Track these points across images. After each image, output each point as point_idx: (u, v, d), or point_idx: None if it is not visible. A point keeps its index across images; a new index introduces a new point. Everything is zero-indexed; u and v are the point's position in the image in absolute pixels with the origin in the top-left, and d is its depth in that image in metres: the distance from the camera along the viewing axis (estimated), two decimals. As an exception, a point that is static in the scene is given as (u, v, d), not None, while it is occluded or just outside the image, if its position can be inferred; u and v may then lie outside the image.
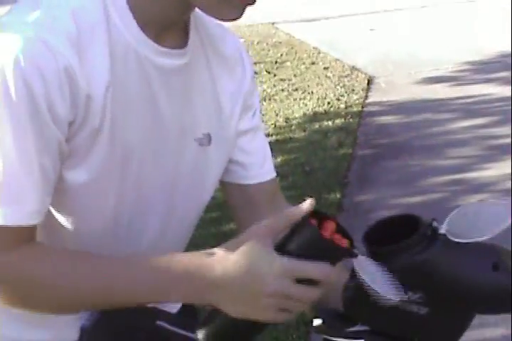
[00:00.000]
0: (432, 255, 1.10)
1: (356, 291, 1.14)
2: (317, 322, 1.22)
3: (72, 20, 1.12)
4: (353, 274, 1.14)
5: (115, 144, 1.19)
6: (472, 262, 1.12)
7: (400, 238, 1.12)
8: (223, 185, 1.46)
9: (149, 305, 1.26)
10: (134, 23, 1.18)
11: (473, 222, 1.11)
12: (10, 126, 1.09)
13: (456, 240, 1.08)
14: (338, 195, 4.89)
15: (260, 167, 1.45)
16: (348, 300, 1.18)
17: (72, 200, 1.24)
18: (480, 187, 4.78)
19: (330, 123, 6.33)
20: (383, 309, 1.11)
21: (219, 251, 1.13)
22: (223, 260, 1.11)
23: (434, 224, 1.12)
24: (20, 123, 1.10)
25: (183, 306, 1.58)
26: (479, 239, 1.07)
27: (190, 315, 1.60)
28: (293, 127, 6.25)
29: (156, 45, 1.21)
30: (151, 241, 1.36)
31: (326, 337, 1.21)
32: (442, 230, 1.11)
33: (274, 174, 1.48)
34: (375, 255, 1.14)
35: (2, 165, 1.10)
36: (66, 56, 1.10)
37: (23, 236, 1.16)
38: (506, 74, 7.22)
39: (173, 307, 1.52)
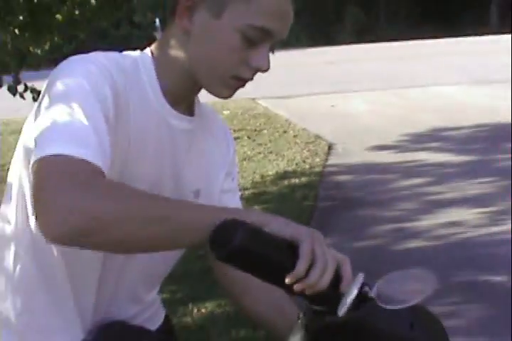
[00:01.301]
0: (358, 316, 1.03)
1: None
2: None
3: (124, 71, 1.16)
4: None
5: (124, 175, 1.15)
6: (393, 323, 1.05)
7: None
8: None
9: (135, 325, 1.21)
10: (158, 88, 1.20)
11: (399, 288, 1.05)
12: (85, 95, 1.09)
13: (386, 307, 1.02)
14: (302, 239, 4.83)
15: None
16: None
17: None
18: (417, 234, 4.76)
19: (297, 180, 6.33)
20: None
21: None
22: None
23: (365, 289, 1.04)
24: (94, 93, 1.09)
25: (163, 324, 1.52)
26: (405, 306, 1.01)
27: (168, 333, 1.55)
28: (267, 183, 6.24)
29: (172, 110, 1.22)
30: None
31: None
32: (372, 294, 1.04)
33: None
34: (311, 311, 1.07)
35: (77, 120, 1.05)
36: (118, 84, 1.13)
37: (98, 170, 1.03)
38: (436, 144, 7.29)
39: (153, 325, 1.46)
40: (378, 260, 4.36)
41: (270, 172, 6.59)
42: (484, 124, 7.93)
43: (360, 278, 1.06)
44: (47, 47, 4.97)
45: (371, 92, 10.69)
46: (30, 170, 1.07)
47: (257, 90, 11.06)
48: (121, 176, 1.15)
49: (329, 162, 6.99)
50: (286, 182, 6.28)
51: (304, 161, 7.00)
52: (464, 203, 5.27)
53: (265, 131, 8.38)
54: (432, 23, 36.47)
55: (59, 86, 1.11)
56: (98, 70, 1.12)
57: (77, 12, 4.72)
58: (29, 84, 4.69)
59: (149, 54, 1.22)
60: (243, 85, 1.20)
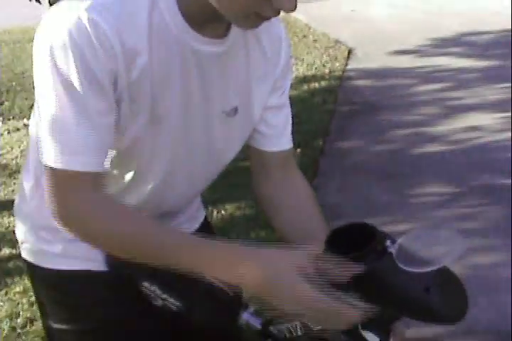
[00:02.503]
0: (375, 269, 1.02)
1: None
2: None
3: (120, 6, 1.08)
4: None
5: (153, 113, 1.15)
6: (407, 282, 1.02)
7: (355, 245, 1.03)
8: (248, 148, 1.41)
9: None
10: (178, 13, 1.12)
11: (424, 248, 1.02)
12: (66, 84, 1.06)
13: (403, 268, 0.99)
14: (321, 142, 4.83)
15: (277, 138, 1.39)
16: None
17: (120, 159, 1.20)
18: (434, 138, 4.73)
19: (316, 84, 6.24)
20: None
21: (267, 255, 1.10)
22: (267, 262, 1.08)
23: (387, 243, 1.02)
24: (76, 81, 1.06)
25: (204, 221, 1.54)
26: (424, 270, 0.98)
27: (210, 229, 1.57)
28: (287, 88, 6.16)
29: (196, 33, 1.15)
30: (182, 190, 1.34)
31: None
32: (392, 249, 1.01)
33: (288, 146, 1.41)
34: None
35: (61, 119, 1.07)
36: (108, 36, 1.06)
37: (93, 180, 1.12)
38: (457, 49, 7.13)
39: (197, 222, 1.52)
40: (397, 163, 4.36)
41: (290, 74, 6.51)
42: (507, 30, 7.70)
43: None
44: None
45: (392, -3, 10.38)
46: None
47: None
48: (151, 113, 1.15)
49: (349, 66, 6.87)
50: (305, 86, 6.20)
51: (324, 66, 6.88)
52: (484, 108, 5.20)
53: (284, 36, 8.23)
54: None
55: (46, 76, 1.08)
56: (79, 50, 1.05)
57: None
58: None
59: None
60: (268, 20, 1.12)
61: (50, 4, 4.52)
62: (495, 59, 6.63)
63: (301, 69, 6.74)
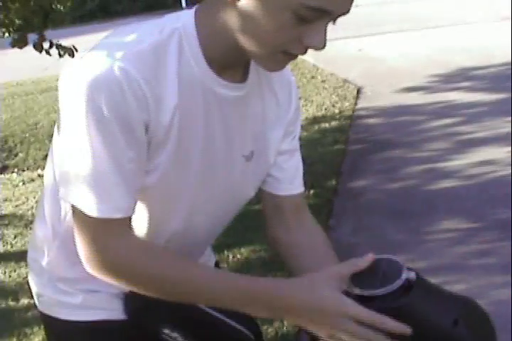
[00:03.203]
0: (407, 303, 1.02)
1: None
2: None
3: (153, 54, 1.10)
4: None
5: (178, 156, 1.17)
6: (437, 315, 1.02)
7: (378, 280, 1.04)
8: (261, 192, 1.43)
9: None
10: (202, 59, 1.14)
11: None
12: (98, 131, 1.06)
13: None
14: (334, 182, 4.83)
15: (290, 182, 1.41)
16: None
17: (147, 200, 1.21)
18: (448, 174, 4.71)
19: (327, 125, 6.27)
20: None
21: (297, 285, 1.11)
22: (300, 293, 1.09)
23: (411, 275, 1.04)
24: (109, 128, 1.07)
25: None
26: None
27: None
28: (297, 128, 6.19)
29: (218, 78, 1.17)
30: (203, 233, 1.37)
31: None
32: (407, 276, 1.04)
33: (301, 190, 1.43)
34: (361, 297, 1.05)
35: (93, 167, 1.08)
36: (141, 85, 1.07)
37: (122, 226, 1.13)
38: (466, 84, 7.15)
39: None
40: (411, 200, 4.34)
41: (301, 118, 6.55)
42: (513, 62, 7.76)
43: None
44: (69, 3, 4.92)
45: (398, 34, 10.48)
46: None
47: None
48: (176, 156, 1.16)
49: (359, 106, 6.90)
50: (316, 127, 6.23)
51: (334, 106, 6.92)
52: (496, 142, 5.18)
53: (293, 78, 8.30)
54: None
55: (79, 124, 1.07)
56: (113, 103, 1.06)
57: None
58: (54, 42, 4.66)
59: (193, 19, 1.14)
60: (294, 59, 1.13)
61: (60, 56, 4.60)
62: (504, 92, 6.65)
63: (310, 110, 6.79)
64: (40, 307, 1.41)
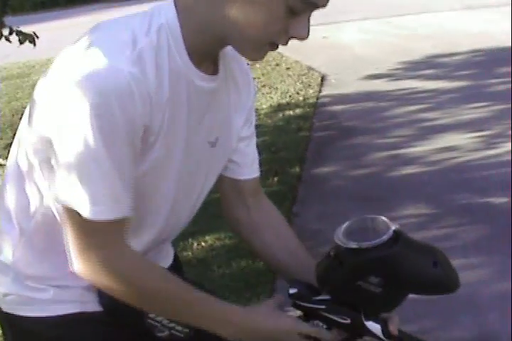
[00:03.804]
0: (395, 252, 1.19)
1: (326, 269, 1.26)
2: (292, 290, 1.30)
3: (150, 54, 1.13)
4: (327, 255, 1.26)
5: (164, 147, 1.20)
6: (419, 260, 1.21)
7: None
8: (219, 178, 1.47)
9: None
10: (185, 52, 1.17)
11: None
12: (103, 137, 1.08)
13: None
14: (298, 169, 4.85)
15: (250, 167, 1.47)
16: (320, 275, 1.28)
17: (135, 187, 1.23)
18: (412, 160, 4.76)
19: (291, 112, 6.29)
20: (347, 285, 1.23)
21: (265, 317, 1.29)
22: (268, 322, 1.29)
23: (396, 227, 1.20)
24: (113, 134, 1.09)
25: (173, 261, 1.57)
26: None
27: (179, 270, 1.59)
28: (262, 116, 6.21)
29: (197, 70, 1.21)
30: (184, 218, 1.41)
31: (297, 302, 1.31)
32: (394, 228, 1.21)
33: (258, 173, 1.50)
34: (359, 250, 1.20)
35: (100, 171, 1.10)
36: (149, 81, 1.11)
37: (124, 226, 1.18)
38: (430, 71, 7.22)
39: (167, 262, 1.53)
40: (375, 186, 4.39)
41: (264, 106, 6.55)
42: (478, 49, 7.84)
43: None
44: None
45: (363, 22, 10.53)
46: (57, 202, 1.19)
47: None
48: (165, 148, 1.20)
49: (323, 93, 6.93)
50: (280, 114, 6.25)
51: (298, 93, 6.94)
52: (460, 128, 5.26)
53: (257, 65, 8.28)
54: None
55: (81, 123, 1.07)
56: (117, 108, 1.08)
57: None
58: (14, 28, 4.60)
59: (175, 11, 1.16)
60: (275, 50, 1.19)
61: (20, 43, 4.54)
62: (467, 79, 6.73)
63: (275, 98, 6.80)
64: (5, 308, 1.37)
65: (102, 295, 1.28)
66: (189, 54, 1.18)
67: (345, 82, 7.19)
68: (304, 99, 6.68)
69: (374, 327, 1.27)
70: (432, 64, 7.56)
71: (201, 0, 1.14)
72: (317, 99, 6.70)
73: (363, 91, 6.76)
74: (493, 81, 6.57)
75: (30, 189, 1.25)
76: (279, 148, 5.25)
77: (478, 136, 5.00)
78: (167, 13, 1.16)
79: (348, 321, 1.27)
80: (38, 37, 4.55)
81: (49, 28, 8.03)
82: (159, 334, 1.28)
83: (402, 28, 9.92)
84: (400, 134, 5.35)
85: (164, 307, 1.26)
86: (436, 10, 11.09)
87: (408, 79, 6.99)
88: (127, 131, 1.10)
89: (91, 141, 1.07)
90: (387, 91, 6.65)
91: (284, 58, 8.59)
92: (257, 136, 5.10)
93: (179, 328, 1.28)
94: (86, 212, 1.11)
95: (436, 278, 1.22)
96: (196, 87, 1.21)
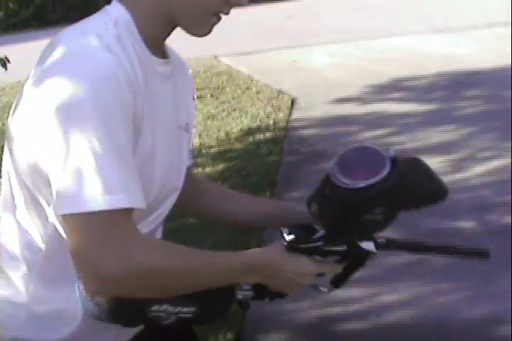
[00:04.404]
0: (397, 182, 1.23)
1: (324, 207, 1.30)
2: (289, 237, 1.32)
3: (118, 44, 1.18)
4: (321, 193, 1.31)
5: (150, 136, 1.24)
6: (418, 180, 1.28)
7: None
8: None
9: None
10: (142, 41, 1.23)
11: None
12: (106, 127, 1.09)
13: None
14: (269, 194, 4.85)
15: (191, 153, 1.54)
16: (316, 213, 1.31)
17: None
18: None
19: (261, 136, 6.30)
20: (349, 220, 1.26)
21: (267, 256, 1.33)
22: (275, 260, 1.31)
23: (390, 153, 1.25)
24: (113, 123, 1.10)
25: None
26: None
27: None
28: (232, 140, 6.21)
29: (155, 57, 1.27)
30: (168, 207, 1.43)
31: (294, 245, 1.33)
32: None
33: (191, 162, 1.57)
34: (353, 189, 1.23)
35: (107, 161, 1.08)
36: (127, 69, 1.16)
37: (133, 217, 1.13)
38: (398, 94, 7.29)
39: None
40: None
41: (234, 130, 6.55)
42: (445, 72, 7.93)
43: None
44: (2, 13, 4.85)
45: (332, 45, 10.59)
46: (59, 216, 1.12)
47: (218, 47, 10.91)
48: (151, 137, 1.23)
49: (293, 116, 6.96)
50: (250, 138, 6.25)
51: (268, 117, 6.96)
52: (428, 151, 5.29)
53: (228, 89, 8.29)
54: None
55: (81, 115, 1.09)
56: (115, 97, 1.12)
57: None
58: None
59: (123, 9, 1.23)
60: (219, 22, 1.28)
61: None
62: (435, 102, 6.80)
63: (245, 122, 6.81)
64: None
65: (100, 307, 1.22)
66: (145, 42, 1.24)
67: (315, 105, 7.23)
68: (274, 123, 6.70)
69: (368, 245, 1.36)
70: (400, 87, 7.64)
71: None
72: (287, 122, 6.72)
73: (332, 114, 6.80)
74: (461, 104, 6.65)
75: (29, 221, 1.23)
76: (249, 173, 5.25)
77: (447, 160, 5.04)
78: (115, 9, 1.24)
79: (345, 248, 1.35)
80: (9, 61, 4.51)
81: (20, 50, 7.97)
82: (166, 323, 1.24)
83: (369, 51, 10.01)
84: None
85: (190, 282, 1.20)
86: (403, 33, 11.21)
87: (376, 103, 7.05)
88: (123, 118, 1.12)
89: (90, 131, 1.07)
90: (356, 114, 6.69)
91: (254, 81, 8.61)
92: (228, 161, 5.13)
93: (185, 310, 1.24)
94: (101, 203, 1.05)
95: (434, 190, 1.31)
96: (159, 74, 1.28)
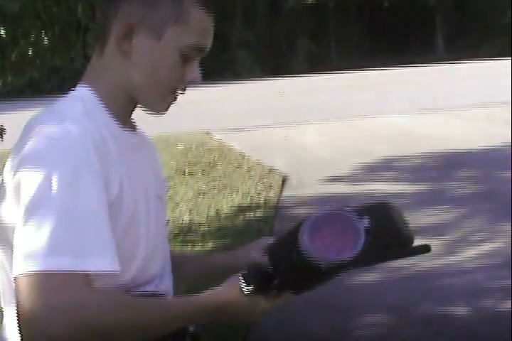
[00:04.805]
0: (368, 249, 1.21)
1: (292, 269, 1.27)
2: (248, 289, 1.27)
3: (88, 120, 1.22)
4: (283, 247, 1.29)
5: (131, 205, 1.25)
6: (389, 238, 1.28)
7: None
8: None
9: None
10: (108, 115, 1.28)
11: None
12: (81, 195, 1.12)
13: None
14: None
15: None
16: (279, 269, 1.29)
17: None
18: (371, 267, 4.71)
19: (252, 214, 6.28)
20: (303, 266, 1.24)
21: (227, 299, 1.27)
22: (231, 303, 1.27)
23: (365, 223, 1.23)
24: (88, 185, 1.13)
25: None
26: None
27: None
28: (222, 218, 6.19)
29: (125, 130, 1.32)
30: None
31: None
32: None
33: None
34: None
35: (82, 228, 1.10)
36: (98, 140, 1.19)
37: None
38: (388, 174, 7.32)
39: None
40: (336, 294, 4.30)
41: (225, 207, 6.53)
42: (435, 152, 8.01)
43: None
44: (-1, 82, 4.92)
45: (324, 123, 10.75)
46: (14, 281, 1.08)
47: (210, 123, 11.04)
48: (132, 207, 1.26)
49: (284, 195, 6.96)
50: (241, 216, 6.23)
51: (259, 195, 6.96)
52: (420, 233, 5.22)
53: (219, 165, 8.34)
54: (381, 53, 37.07)
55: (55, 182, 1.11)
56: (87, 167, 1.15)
57: (30, 51, 4.64)
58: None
59: (87, 88, 1.29)
60: (176, 99, 1.34)
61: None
62: (425, 182, 6.83)
63: (236, 199, 6.80)
64: None
65: None
66: (113, 116, 1.29)
67: (305, 184, 7.24)
68: (265, 201, 6.69)
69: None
70: (391, 167, 7.69)
71: (111, 67, 1.30)
72: (278, 201, 6.72)
73: (323, 193, 6.80)
74: (451, 185, 6.68)
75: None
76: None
77: (439, 242, 5.00)
78: (80, 90, 1.30)
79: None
80: (5, 131, 4.50)
81: (13, 118, 8.04)
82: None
83: (360, 130, 10.14)
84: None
85: (144, 333, 1.17)
86: (393, 112, 11.40)
87: (367, 182, 7.07)
88: (93, 181, 1.14)
89: (55, 193, 1.10)
90: (347, 194, 6.70)
91: (245, 158, 8.67)
92: (218, 239, 5.07)
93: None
94: (41, 265, 1.05)
95: (406, 238, 1.31)
96: (130, 145, 1.33)
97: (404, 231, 1.30)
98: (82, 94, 1.29)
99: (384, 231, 1.26)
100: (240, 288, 1.27)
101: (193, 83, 1.31)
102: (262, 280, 1.28)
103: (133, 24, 1.26)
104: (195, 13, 1.28)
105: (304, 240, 1.22)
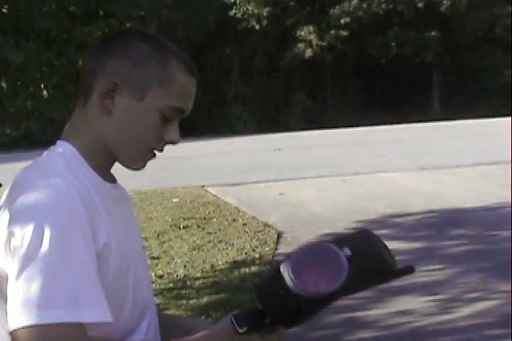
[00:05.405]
0: (352, 281, 1.25)
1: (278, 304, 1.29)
2: (241, 330, 1.31)
3: (70, 174, 1.27)
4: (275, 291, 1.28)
5: (117, 250, 1.28)
6: (372, 268, 1.29)
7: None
8: None
9: None
10: (91, 169, 1.33)
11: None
12: (70, 248, 1.16)
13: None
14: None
15: None
16: (267, 306, 1.31)
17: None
18: (367, 324, 4.78)
19: (247, 269, 6.32)
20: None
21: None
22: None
23: (346, 252, 1.25)
24: (76, 240, 1.17)
25: None
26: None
27: None
28: (217, 272, 6.23)
29: (106, 182, 1.36)
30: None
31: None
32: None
33: None
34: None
35: (74, 281, 1.14)
36: (83, 193, 1.24)
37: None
38: (384, 231, 7.40)
39: None
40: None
41: (220, 262, 6.59)
42: (431, 210, 8.12)
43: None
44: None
45: (319, 179, 10.88)
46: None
47: (206, 178, 11.16)
48: (120, 260, 1.28)
49: (279, 251, 7.02)
50: (236, 272, 6.27)
51: (254, 250, 7.02)
52: (415, 291, 5.33)
53: (214, 220, 8.42)
54: (378, 110, 37.52)
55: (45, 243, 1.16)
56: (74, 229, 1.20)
57: (29, 104, 4.76)
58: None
59: (68, 144, 1.34)
60: (154, 157, 1.38)
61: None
62: (421, 240, 6.91)
63: (231, 254, 6.86)
64: None
65: None
66: (94, 169, 1.33)
67: (300, 240, 7.29)
68: (260, 257, 6.75)
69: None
70: (386, 224, 7.77)
71: (92, 123, 1.34)
72: (273, 256, 6.77)
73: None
74: (447, 243, 6.76)
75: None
76: (234, 307, 5.23)
77: (433, 300, 5.07)
78: (61, 145, 1.35)
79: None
80: (1, 185, 4.58)
81: (8, 169, 8.12)
82: None
83: (356, 186, 10.25)
84: (355, 296, 5.36)
85: None
86: (390, 169, 11.55)
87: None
88: (81, 236, 1.18)
89: (47, 249, 1.14)
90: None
91: (240, 213, 8.75)
92: (212, 294, 5.09)
93: None
94: (36, 318, 1.10)
95: (388, 268, 1.31)
96: (112, 197, 1.36)
97: (386, 256, 1.31)
98: (64, 149, 1.33)
99: (367, 258, 1.29)
100: (234, 328, 1.31)
101: (171, 144, 1.36)
102: (253, 319, 1.32)
103: (117, 82, 1.30)
104: (179, 76, 1.32)
105: (290, 275, 1.25)
